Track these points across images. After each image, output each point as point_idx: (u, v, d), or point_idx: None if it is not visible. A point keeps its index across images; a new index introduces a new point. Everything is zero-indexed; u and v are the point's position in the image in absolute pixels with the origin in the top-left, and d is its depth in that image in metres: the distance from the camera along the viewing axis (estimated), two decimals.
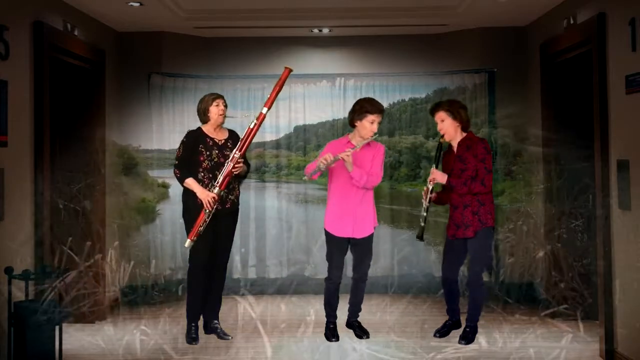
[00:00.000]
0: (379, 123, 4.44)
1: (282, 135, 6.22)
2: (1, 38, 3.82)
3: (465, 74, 5.97)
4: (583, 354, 4.26)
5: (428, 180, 4.43)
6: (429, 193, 4.41)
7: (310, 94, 6.16)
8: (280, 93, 4.50)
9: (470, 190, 4.33)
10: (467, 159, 4.38)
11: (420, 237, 4.45)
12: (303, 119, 6.19)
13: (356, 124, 4.44)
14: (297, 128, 6.22)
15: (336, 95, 6.12)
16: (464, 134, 4.46)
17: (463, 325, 4.52)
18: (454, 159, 4.43)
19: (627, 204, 3.89)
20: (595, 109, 4.30)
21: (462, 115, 4.42)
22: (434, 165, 4.44)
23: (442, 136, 4.46)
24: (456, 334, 4.52)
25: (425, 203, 4.42)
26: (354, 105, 4.51)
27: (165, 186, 6.05)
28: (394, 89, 6.13)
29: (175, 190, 5.79)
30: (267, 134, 6.16)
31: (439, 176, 4.38)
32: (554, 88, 5.23)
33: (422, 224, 4.43)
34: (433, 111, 4.51)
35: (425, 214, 4.42)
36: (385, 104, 6.10)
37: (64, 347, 4.02)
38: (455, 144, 4.47)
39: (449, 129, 4.42)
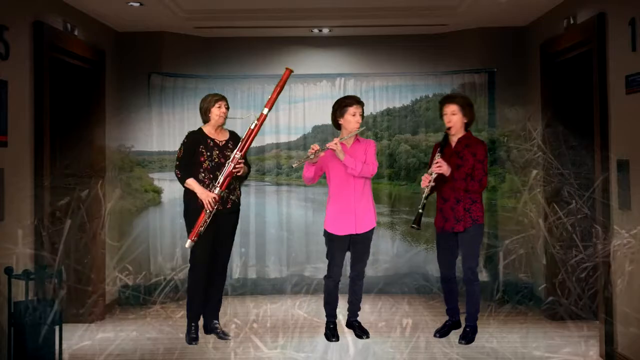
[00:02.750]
0: (361, 115, 4.47)
1: (300, 135, 6.20)
2: (1, 38, 3.82)
3: (465, 74, 5.97)
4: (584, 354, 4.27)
5: (432, 168, 4.41)
6: (431, 181, 4.39)
7: (310, 95, 6.16)
8: (283, 94, 4.49)
9: (467, 187, 4.38)
10: (464, 156, 4.42)
11: (417, 223, 4.35)
12: (303, 120, 6.17)
13: (340, 121, 4.49)
14: (315, 128, 6.19)
15: (336, 95, 6.11)
16: (464, 132, 4.51)
17: (463, 325, 4.54)
18: (451, 153, 4.46)
19: (627, 204, 3.89)
20: (595, 109, 4.30)
21: (471, 114, 4.51)
22: (438, 155, 4.43)
23: (449, 128, 4.48)
24: (456, 333, 4.53)
25: (427, 191, 4.40)
26: (332, 107, 4.56)
27: (157, 191, 5.90)
28: (393, 89, 6.12)
29: (171, 194, 5.74)
30: (284, 135, 6.16)
31: (444, 167, 4.36)
32: (554, 88, 5.22)
33: (421, 211, 4.36)
34: (446, 101, 4.52)
35: (425, 201, 4.40)
36: (398, 104, 6.07)
37: (64, 347, 4.02)
38: (454, 140, 4.50)
39: (457, 123, 4.46)
